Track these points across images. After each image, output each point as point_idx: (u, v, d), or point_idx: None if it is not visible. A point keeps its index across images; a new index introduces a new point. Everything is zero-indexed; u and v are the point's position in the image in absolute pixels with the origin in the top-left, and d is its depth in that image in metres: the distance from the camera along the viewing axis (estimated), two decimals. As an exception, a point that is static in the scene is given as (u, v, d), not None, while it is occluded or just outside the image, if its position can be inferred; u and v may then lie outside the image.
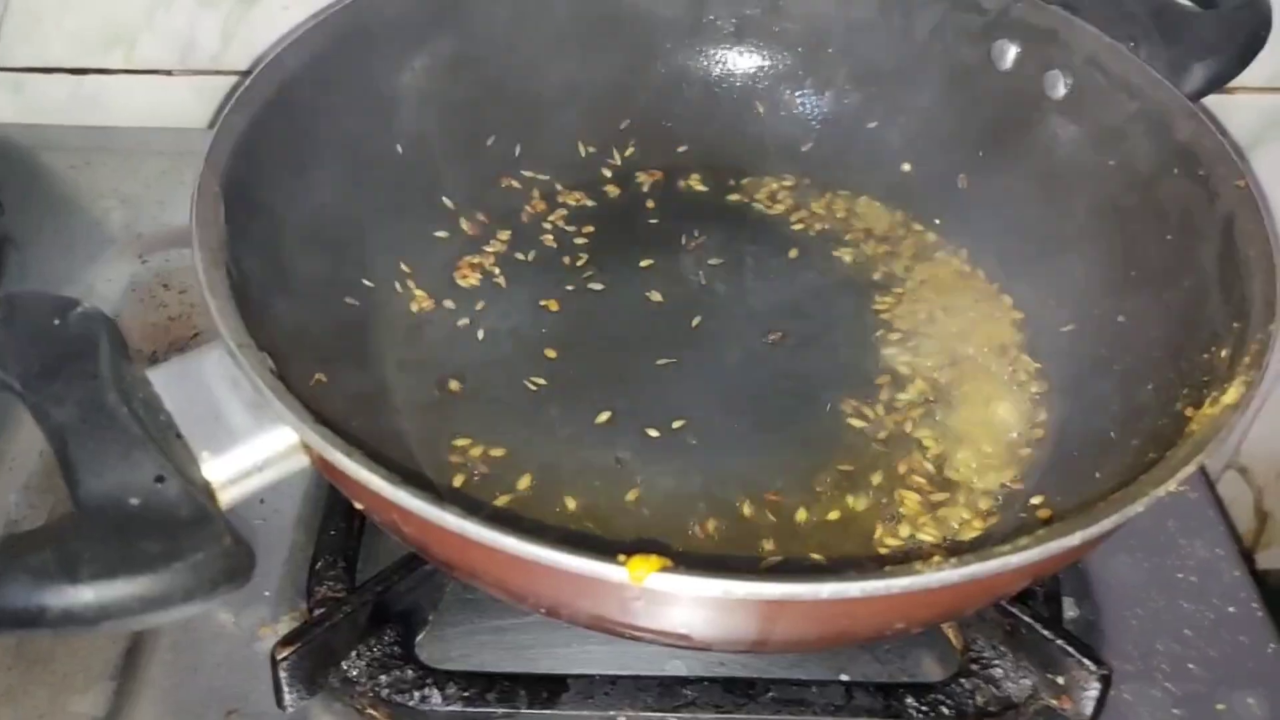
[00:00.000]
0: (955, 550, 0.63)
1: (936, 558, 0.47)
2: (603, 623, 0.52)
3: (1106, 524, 0.48)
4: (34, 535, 0.43)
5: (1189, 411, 0.59)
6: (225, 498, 0.51)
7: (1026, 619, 0.63)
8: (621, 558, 0.46)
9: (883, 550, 0.64)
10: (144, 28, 0.96)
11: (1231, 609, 0.71)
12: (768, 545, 0.65)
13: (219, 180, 0.62)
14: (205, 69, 0.98)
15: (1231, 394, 0.55)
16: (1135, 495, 0.50)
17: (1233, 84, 0.96)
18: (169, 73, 0.99)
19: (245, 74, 0.71)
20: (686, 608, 0.48)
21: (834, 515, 0.67)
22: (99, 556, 0.42)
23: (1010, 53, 0.80)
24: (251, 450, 0.52)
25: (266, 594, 0.69)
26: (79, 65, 0.99)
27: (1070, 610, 0.70)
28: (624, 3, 0.87)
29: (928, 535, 0.64)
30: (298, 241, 0.68)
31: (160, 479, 0.47)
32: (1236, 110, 1.00)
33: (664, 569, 0.45)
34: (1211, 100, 0.96)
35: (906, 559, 0.62)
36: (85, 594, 0.42)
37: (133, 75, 0.99)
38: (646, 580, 0.45)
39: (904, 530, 0.65)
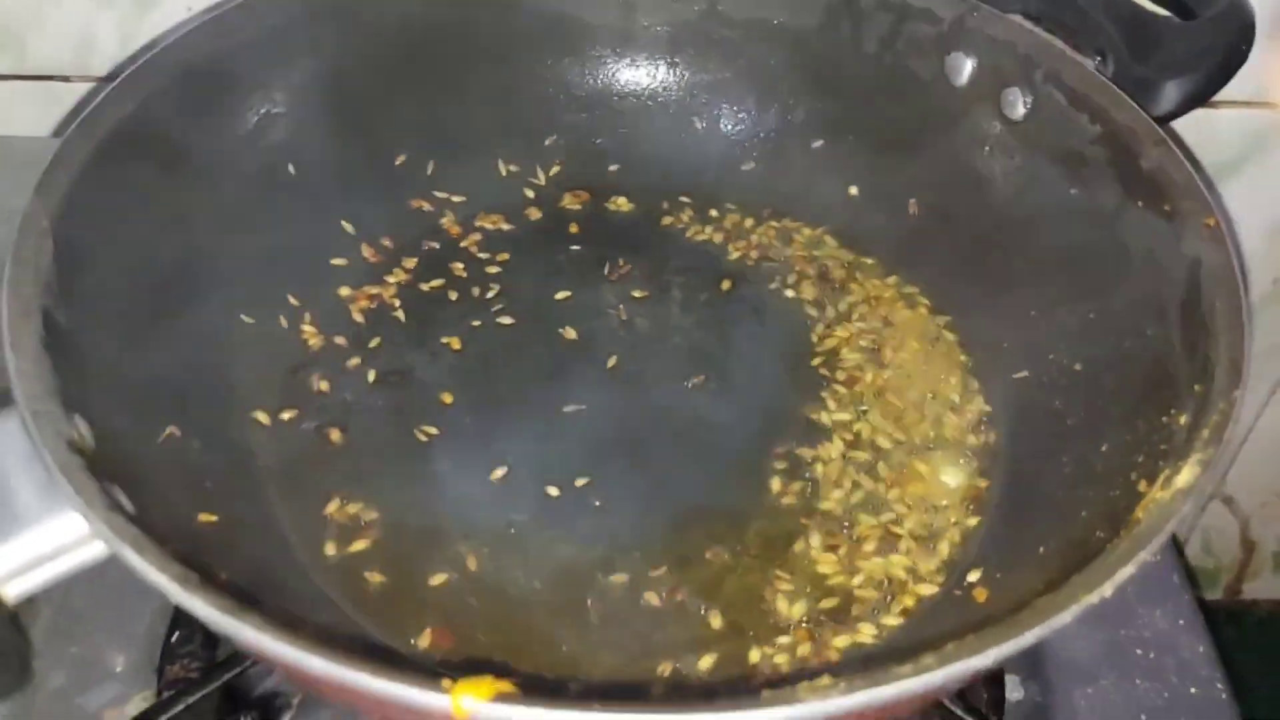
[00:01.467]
0: (853, 665, 0.55)
1: (825, 679, 0.40)
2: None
3: (1026, 638, 0.41)
4: None
5: (1142, 485, 0.52)
6: (9, 592, 0.44)
7: (957, 712, 0.56)
8: (446, 683, 0.38)
9: (781, 655, 0.57)
10: (34, 29, 0.89)
11: (1193, 689, 0.64)
12: (667, 631, 0.57)
13: (50, 212, 0.55)
14: (105, 75, 0.91)
15: (1185, 475, 0.48)
16: (1064, 602, 0.42)
17: (1216, 98, 0.90)
18: (66, 78, 0.91)
19: (106, 79, 0.64)
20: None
21: (742, 596, 0.59)
22: None
23: (966, 67, 0.73)
24: (39, 537, 0.44)
25: (117, 670, 0.62)
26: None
27: (1014, 691, 0.63)
28: (548, 8, 0.79)
29: (842, 621, 0.57)
30: (156, 279, 0.61)
31: (-85, 578, 0.40)
32: (1219, 126, 0.93)
33: (497, 697, 0.38)
34: (1192, 115, 0.89)
35: (801, 672, 0.55)
36: None
37: (25, 81, 0.91)
38: (473, 712, 0.38)
39: (821, 610, 0.58)
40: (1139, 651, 0.66)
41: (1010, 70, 0.71)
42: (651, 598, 0.59)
